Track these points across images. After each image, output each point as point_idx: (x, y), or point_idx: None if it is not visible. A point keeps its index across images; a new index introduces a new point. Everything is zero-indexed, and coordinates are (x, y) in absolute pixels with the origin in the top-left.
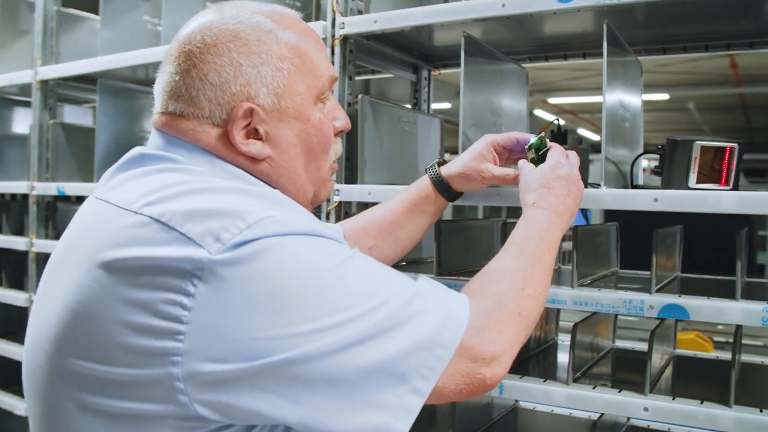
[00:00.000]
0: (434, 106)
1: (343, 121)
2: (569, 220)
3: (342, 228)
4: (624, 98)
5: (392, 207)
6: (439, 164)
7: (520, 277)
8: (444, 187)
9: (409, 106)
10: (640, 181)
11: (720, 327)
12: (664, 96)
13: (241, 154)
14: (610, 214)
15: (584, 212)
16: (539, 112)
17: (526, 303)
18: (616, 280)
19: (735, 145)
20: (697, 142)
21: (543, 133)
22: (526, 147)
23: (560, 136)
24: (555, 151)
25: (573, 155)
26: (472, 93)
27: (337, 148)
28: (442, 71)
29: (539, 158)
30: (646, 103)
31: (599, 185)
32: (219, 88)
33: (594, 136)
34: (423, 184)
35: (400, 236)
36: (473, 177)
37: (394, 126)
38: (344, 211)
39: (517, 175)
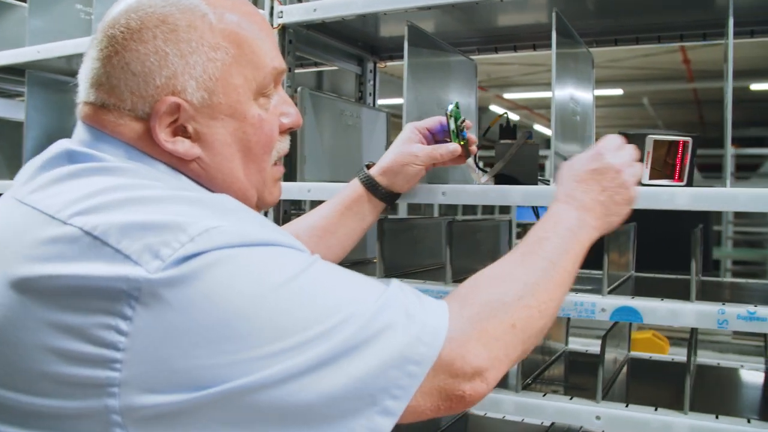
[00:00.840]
0: (387, 101)
1: (292, 118)
2: (606, 219)
3: None
4: (575, 92)
5: (324, 212)
6: (368, 166)
7: (521, 284)
8: (375, 187)
9: (354, 100)
10: None
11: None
12: (618, 91)
13: (165, 152)
14: None
15: (535, 210)
16: (495, 108)
17: (523, 314)
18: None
19: (689, 139)
20: (650, 135)
21: (457, 100)
22: (447, 113)
23: (509, 130)
24: (603, 140)
25: (630, 148)
26: (418, 86)
27: (283, 146)
28: (389, 63)
29: (458, 130)
30: (600, 98)
31: (549, 182)
32: (142, 79)
33: (549, 132)
34: (354, 185)
35: (332, 242)
36: (405, 165)
37: (336, 120)
38: (283, 209)
39: (458, 148)
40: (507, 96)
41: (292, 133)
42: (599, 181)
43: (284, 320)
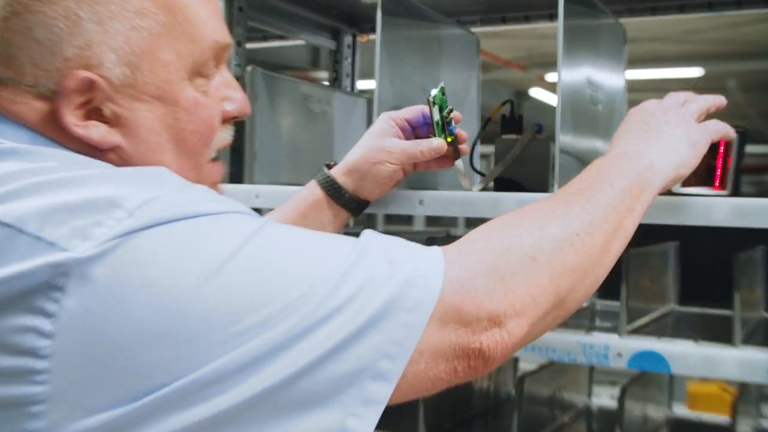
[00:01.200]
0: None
1: (237, 104)
2: (659, 166)
3: None
4: (596, 74)
5: (278, 220)
6: (329, 166)
7: (540, 214)
8: (337, 190)
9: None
10: None
11: None
12: (696, 71)
13: (76, 138)
14: None
15: None
16: (537, 92)
17: (546, 245)
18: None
19: (732, 135)
20: None
21: (443, 83)
22: (430, 99)
23: (513, 122)
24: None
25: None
26: (395, 66)
27: (223, 137)
28: (372, 37)
29: (443, 122)
30: (671, 81)
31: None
32: (47, 48)
33: None
34: (311, 188)
35: None
36: (376, 164)
37: (299, 108)
38: None
39: (443, 144)
40: (550, 78)
41: (240, 123)
42: (659, 126)
43: (242, 298)
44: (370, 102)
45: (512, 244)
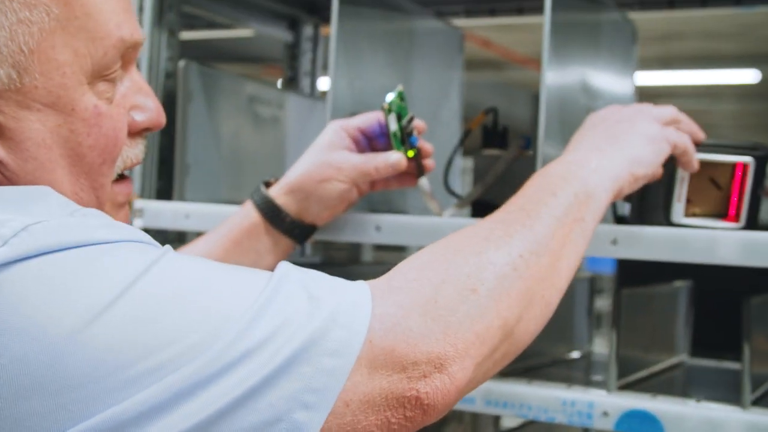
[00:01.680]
0: None
1: (149, 114)
2: (606, 167)
3: None
4: (593, 77)
5: (201, 248)
6: (268, 184)
7: (479, 239)
8: (276, 213)
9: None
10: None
11: None
12: (752, 75)
13: None
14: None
15: None
16: None
17: (487, 273)
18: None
19: (749, 159)
20: None
21: (401, 87)
22: (384, 106)
23: (496, 134)
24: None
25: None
26: (354, 64)
27: (133, 153)
28: None
29: (402, 132)
30: (720, 88)
31: None
32: None
33: None
34: (247, 211)
35: None
36: (323, 182)
37: (243, 111)
38: None
39: (402, 159)
40: None
41: (170, 130)
42: (612, 126)
43: (134, 340)
44: None
45: (448, 276)
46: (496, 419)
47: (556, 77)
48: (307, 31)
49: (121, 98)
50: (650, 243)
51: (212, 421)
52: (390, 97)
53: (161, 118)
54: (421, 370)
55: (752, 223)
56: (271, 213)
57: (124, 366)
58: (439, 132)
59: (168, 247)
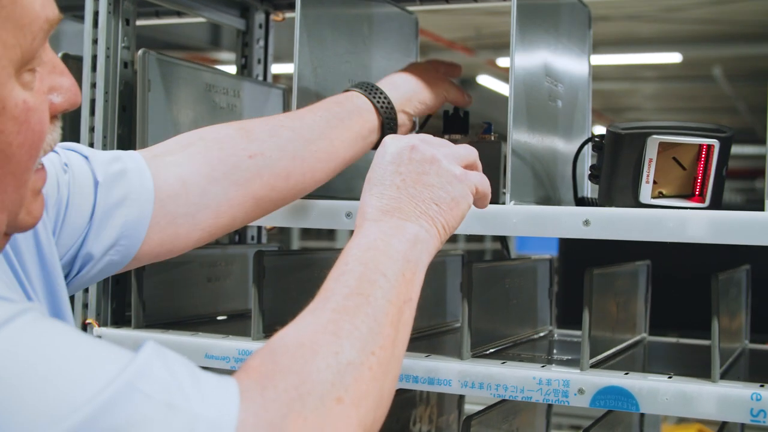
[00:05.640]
0: (287, 67)
1: (66, 94)
2: (423, 239)
3: (154, 153)
4: (554, 61)
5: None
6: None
7: (328, 334)
8: (394, 124)
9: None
10: (588, 191)
11: None
12: (675, 57)
13: None
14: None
15: (504, 243)
16: (485, 80)
17: (348, 378)
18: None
19: (713, 141)
20: (654, 135)
21: None
22: None
23: (457, 120)
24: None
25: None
26: (317, 50)
27: (53, 138)
28: (288, 15)
29: None
30: (647, 67)
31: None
32: None
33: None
34: (368, 112)
35: (308, 153)
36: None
37: (201, 100)
38: None
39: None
40: (502, 63)
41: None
42: (403, 174)
43: None
44: (287, 92)
45: (314, 384)
46: (460, 401)
47: (523, 60)
48: (259, 18)
49: (39, 83)
50: (622, 223)
51: None
52: None
53: (78, 97)
54: None
55: (716, 203)
56: (391, 123)
57: None
58: None
59: (29, 306)
